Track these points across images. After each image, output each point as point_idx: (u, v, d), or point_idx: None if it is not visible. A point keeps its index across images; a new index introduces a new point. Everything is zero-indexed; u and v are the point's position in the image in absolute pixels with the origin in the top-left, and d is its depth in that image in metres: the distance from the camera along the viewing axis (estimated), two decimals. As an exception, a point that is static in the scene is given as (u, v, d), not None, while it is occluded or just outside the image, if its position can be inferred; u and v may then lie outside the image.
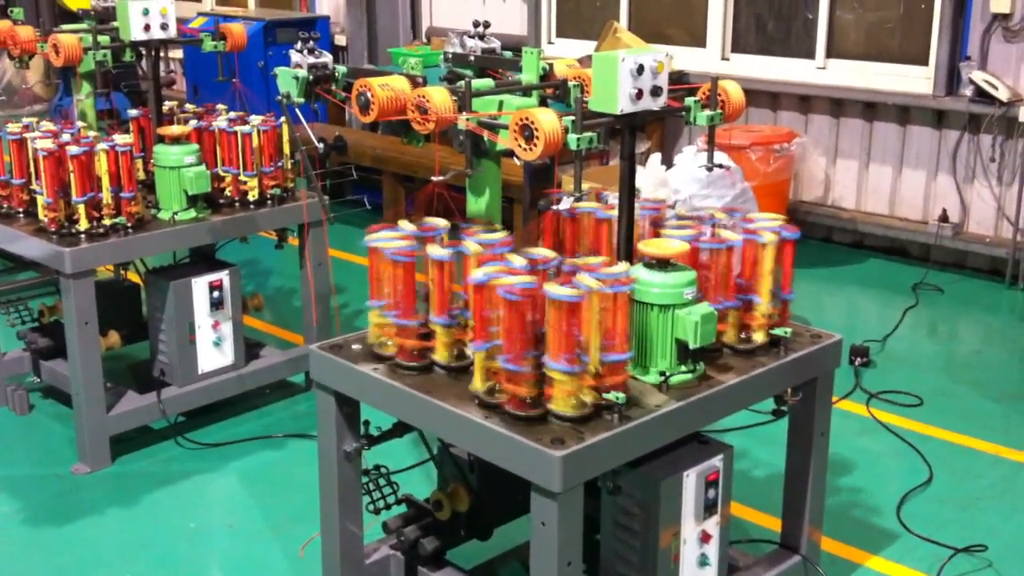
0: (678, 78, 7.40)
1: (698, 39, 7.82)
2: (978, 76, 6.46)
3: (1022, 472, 4.44)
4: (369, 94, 3.03)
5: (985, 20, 6.53)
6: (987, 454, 4.58)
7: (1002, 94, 6.37)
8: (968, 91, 6.57)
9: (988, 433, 4.74)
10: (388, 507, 3.36)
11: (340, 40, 10.03)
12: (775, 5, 7.55)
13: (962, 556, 3.79)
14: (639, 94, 2.79)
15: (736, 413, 3.13)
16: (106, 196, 4.25)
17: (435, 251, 2.91)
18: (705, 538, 3.06)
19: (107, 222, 4.27)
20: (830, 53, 7.29)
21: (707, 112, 3.04)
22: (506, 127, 2.81)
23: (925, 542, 3.89)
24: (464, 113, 2.94)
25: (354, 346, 3.13)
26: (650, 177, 5.67)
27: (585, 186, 2.92)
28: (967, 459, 4.54)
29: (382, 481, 3.35)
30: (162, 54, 4.89)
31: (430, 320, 2.95)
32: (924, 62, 6.86)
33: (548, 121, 2.68)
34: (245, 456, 4.54)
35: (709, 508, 3.05)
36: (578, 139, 2.72)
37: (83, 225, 4.23)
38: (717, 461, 3.05)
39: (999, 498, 4.23)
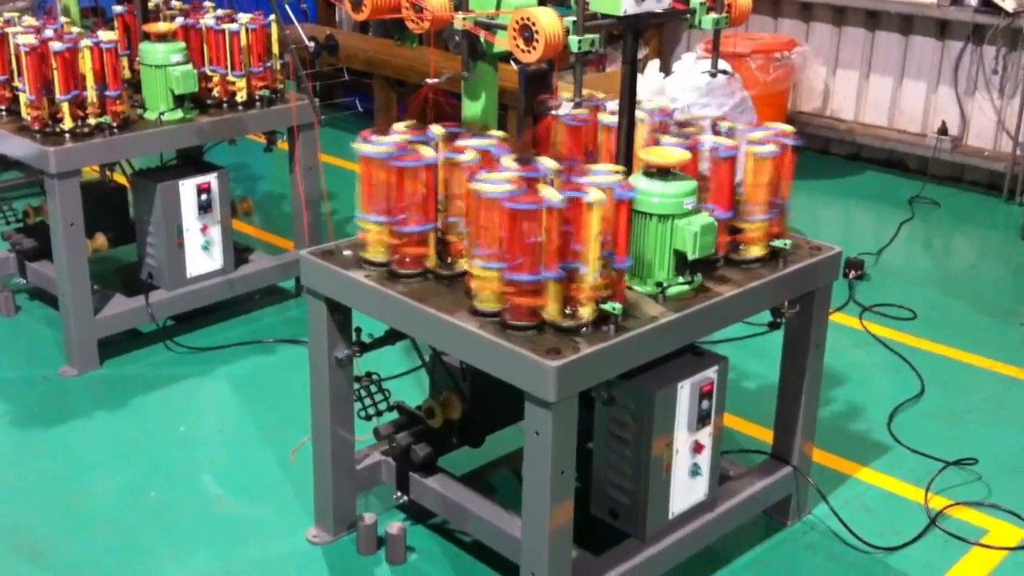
0: (678, -18, 7.23)
1: (699, -58, 7.61)
2: (985, -15, 6.32)
3: (1014, 387, 4.44)
4: (362, -10, 2.92)
5: (994, -73, 6.37)
6: (980, 369, 4.58)
7: (1008, 4, 6.23)
8: (973, 1, 6.43)
9: (981, 348, 4.74)
10: (380, 414, 3.34)
11: (331, -62, 9.77)
12: (779, -92, 7.35)
13: (952, 469, 3.80)
14: (643, -6, 2.69)
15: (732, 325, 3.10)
16: (91, 94, 4.14)
17: (427, 155, 2.83)
18: (698, 448, 3.06)
19: (92, 121, 4.17)
20: (834, -41, 7.11)
21: (713, 15, 2.94)
22: (504, 27, 2.71)
23: (915, 454, 3.90)
24: (461, 12, 2.84)
25: (345, 252, 3.07)
26: (648, 85, 5.56)
27: (584, 92, 2.84)
28: (959, 373, 4.54)
29: (374, 388, 3.32)
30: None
31: (422, 227, 2.88)
32: (930, -30, 6.70)
33: (549, 22, 2.58)
34: (235, 361, 4.51)
35: (702, 419, 3.03)
36: (579, 41, 2.63)
37: (67, 124, 4.13)
38: (711, 373, 3.03)
39: (990, 413, 4.24)
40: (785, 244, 3.12)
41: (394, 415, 3.37)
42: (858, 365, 4.56)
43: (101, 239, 4.65)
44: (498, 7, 3.00)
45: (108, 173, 4.83)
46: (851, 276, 5.33)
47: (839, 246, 3.27)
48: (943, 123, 6.75)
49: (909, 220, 6.25)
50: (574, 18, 2.64)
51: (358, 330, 3.15)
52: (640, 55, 6.74)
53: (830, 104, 7.32)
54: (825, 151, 7.41)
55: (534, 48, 2.60)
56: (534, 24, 2.59)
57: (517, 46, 2.64)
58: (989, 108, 6.66)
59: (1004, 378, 4.50)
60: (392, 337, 3.16)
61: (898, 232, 6.06)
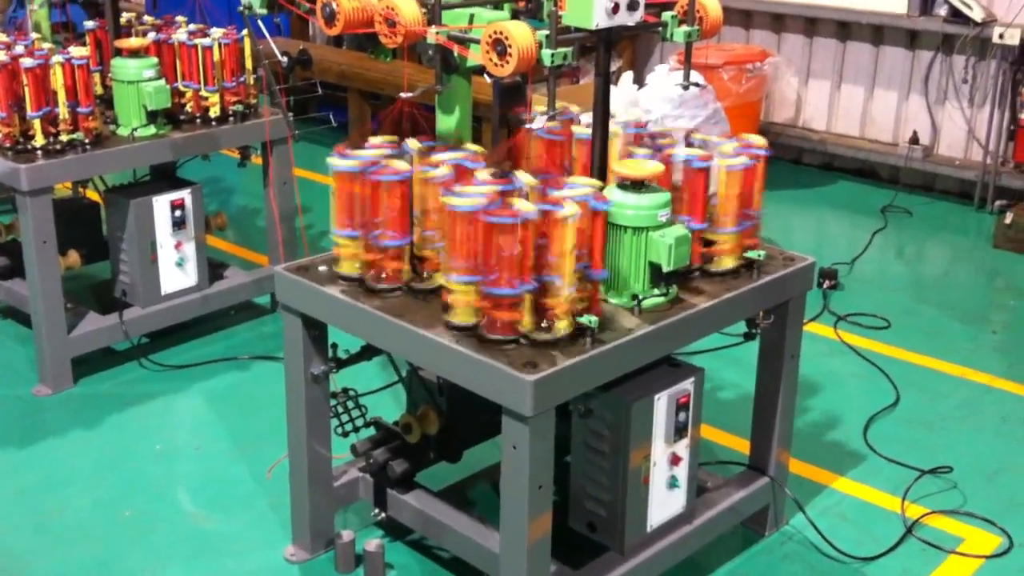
0: (650, -5, 7.26)
1: (671, -45, 7.65)
2: (953, -5, 6.39)
3: (987, 394, 4.47)
4: (334, 5, 2.91)
5: (962, -62, 6.44)
6: (953, 376, 4.61)
7: (976, 14, 6.30)
8: (943, 11, 6.49)
9: (954, 355, 4.77)
10: (357, 430, 3.33)
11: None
12: (750, -80, 7.39)
13: (928, 477, 3.82)
14: (615, 8, 2.70)
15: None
16: (62, 111, 4.12)
17: (401, 169, 2.83)
18: (675, 461, 3.06)
19: (64, 138, 4.14)
20: (804, -29, 7.17)
21: (684, 28, 2.95)
22: (477, 41, 2.72)
23: (891, 463, 3.92)
24: (434, 26, 2.84)
25: (320, 267, 3.06)
26: (622, 97, 5.57)
27: (558, 104, 2.84)
28: (933, 381, 4.57)
29: (350, 404, 3.31)
30: (119, -38, 4.71)
31: (397, 242, 2.88)
32: (899, -19, 6.76)
33: (522, 35, 2.59)
34: (210, 378, 4.48)
35: (679, 431, 3.04)
36: (552, 54, 2.64)
37: (39, 141, 4.10)
38: (688, 384, 3.04)
39: (965, 419, 4.27)
40: (759, 255, 3.13)
41: (371, 431, 3.36)
42: (833, 374, 4.59)
43: (74, 256, 4.62)
44: (471, 21, 3.00)
45: (80, 189, 4.79)
46: (825, 285, 5.36)
47: (813, 256, 3.29)
48: (914, 132, 6.80)
49: (882, 229, 6.30)
50: (547, 32, 2.65)
51: (334, 346, 3.14)
52: (613, 67, 6.76)
53: (802, 114, 7.37)
54: (798, 161, 7.46)
55: (507, 62, 2.61)
56: (507, 38, 2.59)
57: (490, 60, 2.65)
58: (959, 117, 6.73)
59: (977, 385, 4.54)
60: (368, 352, 3.15)
61: (871, 241, 6.10)
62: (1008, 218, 6.01)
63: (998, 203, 6.43)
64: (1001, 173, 6.49)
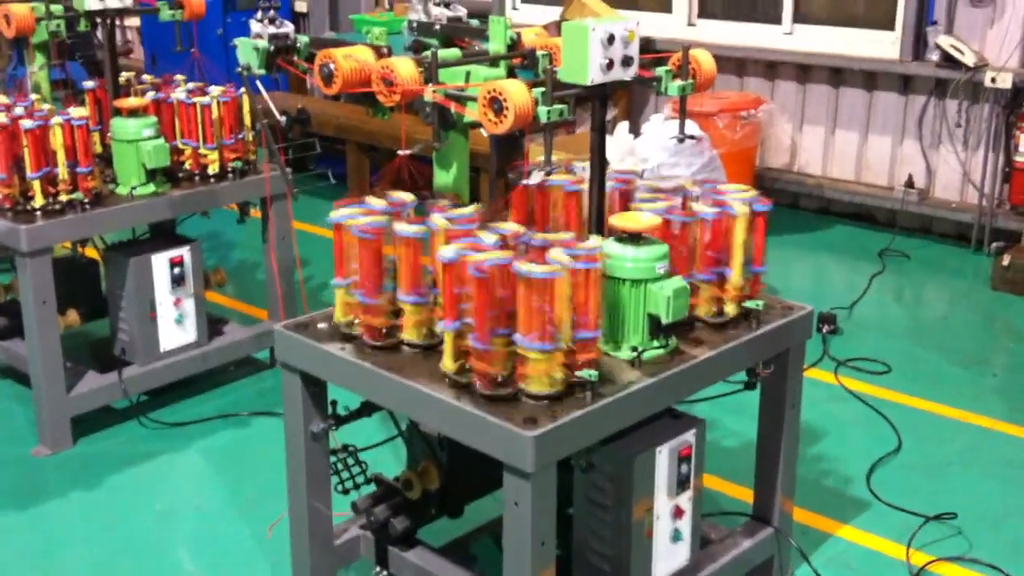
0: (645, 45, 7.32)
1: (664, 5, 7.74)
2: (944, 41, 6.44)
3: (990, 437, 4.46)
4: (332, 66, 2.95)
5: (951, -16, 6.52)
6: (955, 420, 4.60)
7: (968, 59, 6.36)
8: (934, 56, 6.55)
9: (955, 399, 4.76)
10: (357, 487, 3.31)
11: (300, 7, 9.87)
12: (741, -30, 7.50)
13: (932, 523, 3.80)
14: (610, 64, 2.73)
15: (708, 386, 3.10)
16: (62, 171, 4.14)
17: (402, 227, 2.84)
18: (678, 513, 3.04)
19: (64, 198, 4.16)
20: (797, 19, 7.24)
21: (678, 82, 2.98)
22: (474, 99, 2.74)
23: (895, 510, 3.90)
24: (431, 85, 2.87)
25: (320, 324, 3.07)
26: (618, 146, 5.62)
27: (554, 157, 2.86)
28: (935, 426, 4.56)
29: (351, 461, 3.29)
30: (118, 23, 4.76)
31: (398, 298, 2.89)
32: (891, 27, 6.83)
33: (518, 93, 2.61)
34: (210, 435, 4.47)
35: (682, 483, 3.02)
36: (548, 111, 2.66)
37: (38, 201, 4.12)
38: (690, 436, 3.02)
39: (967, 464, 4.25)
40: (758, 305, 3.13)
41: (372, 487, 3.34)
42: (835, 420, 4.57)
43: (73, 315, 4.62)
44: (468, 79, 3.03)
45: (79, 247, 4.81)
46: (825, 331, 5.36)
47: (811, 300, 3.30)
48: (909, 176, 6.84)
49: (880, 273, 6.31)
50: (543, 89, 2.67)
51: (334, 403, 3.13)
52: (609, 115, 6.81)
53: (798, 160, 7.41)
54: (795, 206, 7.49)
55: (504, 120, 2.63)
56: (503, 96, 2.62)
57: (487, 118, 2.67)
58: (954, 160, 6.76)
59: (979, 429, 4.52)
60: (368, 409, 3.14)
61: (870, 285, 6.11)
62: (1005, 260, 6.02)
63: (995, 245, 6.45)
64: (997, 215, 6.52)
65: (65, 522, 3.87)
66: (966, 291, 6.20)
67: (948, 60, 6.45)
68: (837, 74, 7.11)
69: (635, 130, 6.02)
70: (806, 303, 3.29)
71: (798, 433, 3.43)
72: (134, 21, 10.02)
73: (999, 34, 6.38)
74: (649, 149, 5.66)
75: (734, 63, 7.47)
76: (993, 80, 6.24)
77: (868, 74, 6.97)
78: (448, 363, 2.73)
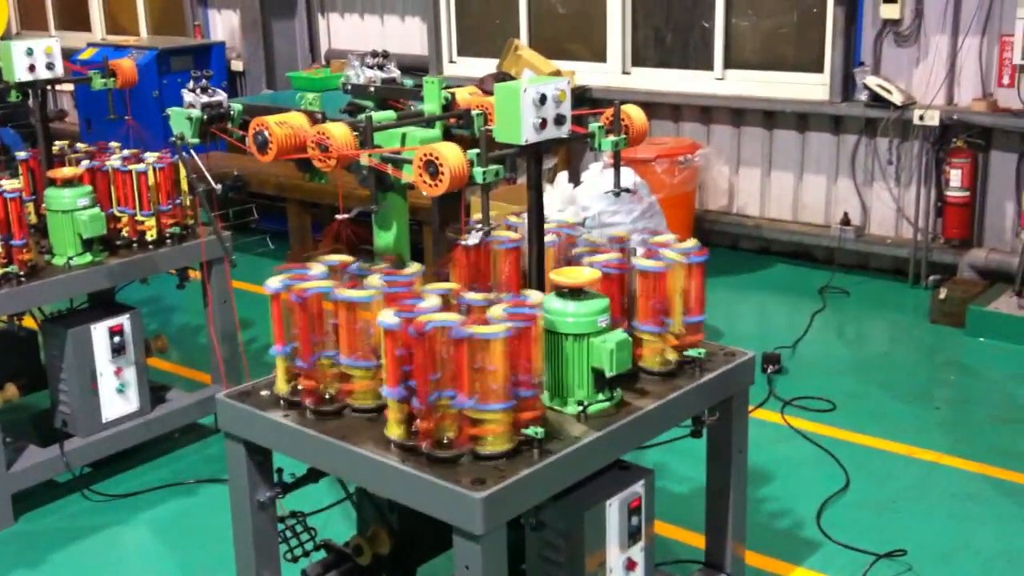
0: (581, 94, 7.43)
1: (598, 54, 7.85)
2: (872, 81, 6.60)
3: (935, 471, 4.52)
4: (267, 133, 2.95)
5: (876, 26, 6.68)
6: (901, 455, 4.66)
7: (896, 98, 6.51)
8: (863, 96, 6.70)
9: (900, 434, 4.82)
10: (307, 554, 3.27)
11: (237, 66, 9.87)
12: (672, 18, 7.62)
13: (883, 562, 3.83)
14: (543, 123, 2.76)
15: (655, 435, 3.11)
16: (-5, 244, 4.09)
17: (341, 292, 2.84)
18: (631, 566, 3.04)
19: (-2, 271, 4.11)
20: (728, 64, 7.37)
21: (611, 138, 3.02)
22: (410, 162, 2.75)
23: (846, 549, 3.93)
24: (366, 149, 2.88)
25: (263, 392, 3.04)
26: (558, 195, 5.66)
27: (493, 212, 2.88)
28: (882, 461, 4.61)
29: (299, 528, 3.25)
30: (52, 88, 4.72)
31: (342, 362, 2.87)
32: (819, 69, 6.98)
33: (453, 156, 2.63)
34: (157, 505, 4.39)
35: (633, 535, 3.02)
36: (484, 172, 2.68)
37: (-28, 276, 4.06)
38: (639, 487, 3.03)
39: (915, 500, 4.30)
40: (700, 353, 3.16)
41: (322, 554, 3.30)
42: (783, 460, 4.61)
43: (12, 389, 4.54)
44: (403, 141, 3.05)
45: (16, 319, 4.72)
46: (769, 371, 5.41)
47: (753, 340, 3.35)
48: (845, 214, 6.97)
49: (821, 310, 6.40)
50: (478, 150, 2.69)
51: (279, 470, 3.10)
52: (549, 165, 6.88)
53: (736, 201, 7.52)
54: (735, 247, 7.58)
55: (440, 182, 2.65)
56: (439, 159, 2.63)
57: (423, 181, 2.68)
58: (887, 197, 6.90)
59: (925, 463, 4.58)
60: (315, 475, 3.11)
61: (811, 323, 6.19)
62: (942, 293, 6.14)
63: (932, 278, 6.57)
64: (932, 249, 6.65)
65: (8, 604, 3.78)
66: (906, 325, 6.30)
67: (877, 100, 6.60)
68: (770, 117, 7.24)
69: (575, 179, 6.06)
70: (749, 343, 3.33)
71: (746, 478, 3.45)
72: (69, 86, 9.94)
73: (925, 73, 6.55)
74: (589, 198, 5.70)
75: (669, 109, 7.59)
76: (921, 118, 6.40)
77: (800, 116, 7.11)
78: (393, 429, 2.71)
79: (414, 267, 3.07)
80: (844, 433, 4.84)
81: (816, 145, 7.12)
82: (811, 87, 7.02)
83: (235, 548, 3.15)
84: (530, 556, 3.00)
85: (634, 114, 3.13)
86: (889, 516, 4.17)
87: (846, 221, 6.95)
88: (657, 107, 7.43)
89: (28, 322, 4.78)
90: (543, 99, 2.76)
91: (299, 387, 2.92)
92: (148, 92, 8.79)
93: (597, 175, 5.84)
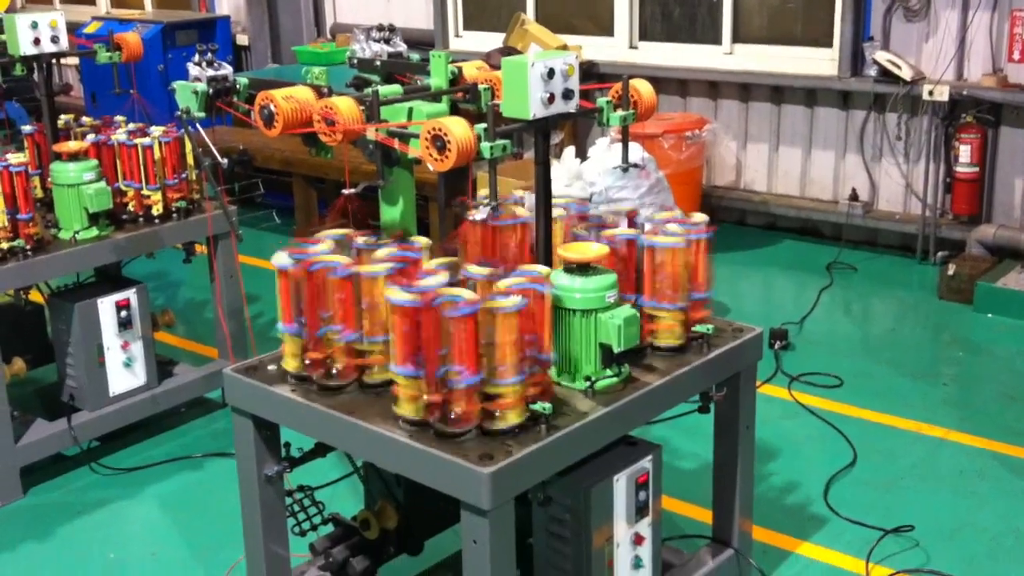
0: (587, 69, 7.38)
1: (606, 28, 7.80)
2: (882, 56, 6.55)
3: (942, 448, 4.51)
4: (272, 107, 2.93)
5: (886, 0, 6.62)
6: (908, 431, 4.65)
7: (905, 73, 6.47)
8: (872, 71, 6.65)
9: (908, 410, 4.81)
10: (314, 528, 3.27)
11: (242, 40, 9.83)
12: (680, -8, 7.58)
13: (890, 537, 3.83)
14: (551, 98, 2.74)
15: (662, 411, 3.11)
16: (1, 218, 4.07)
17: (347, 267, 2.83)
18: (638, 540, 3.04)
19: (4, 246, 4.09)
20: (736, 38, 7.33)
21: (620, 112, 3.00)
22: (416, 137, 2.74)
23: (853, 525, 3.93)
24: (373, 124, 2.86)
25: (270, 367, 3.04)
26: (565, 171, 5.63)
27: (500, 187, 2.86)
28: (889, 438, 4.60)
29: (307, 502, 3.26)
30: (55, 62, 4.69)
31: (347, 339, 2.86)
32: (828, 44, 6.93)
33: (460, 131, 2.61)
34: (164, 479, 4.40)
35: (640, 510, 3.02)
36: (491, 147, 2.66)
37: (-22, 250, 4.05)
38: (646, 462, 3.03)
39: (922, 476, 4.29)
40: (708, 329, 3.15)
41: (329, 528, 3.31)
42: (790, 436, 4.60)
43: (19, 363, 4.54)
44: (410, 116, 3.03)
45: (23, 294, 4.72)
46: (776, 347, 5.40)
47: (760, 316, 3.35)
48: (853, 190, 6.93)
49: (828, 287, 6.37)
50: (485, 125, 2.67)
51: (287, 445, 3.10)
52: (556, 140, 6.84)
53: (743, 177, 7.49)
54: (742, 222, 7.56)
55: (447, 157, 2.63)
56: (446, 134, 2.62)
57: (430, 155, 2.67)
58: (896, 173, 6.87)
59: (932, 439, 4.57)
60: (322, 449, 3.11)
61: (819, 299, 6.17)
62: (951, 269, 6.11)
63: (940, 254, 6.55)
64: (941, 225, 6.63)
65: (16, 577, 3.80)
66: (914, 302, 6.28)
67: (886, 75, 6.56)
68: (778, 92, 7.20)
69: (581, 154, 6.04)
70: (756, 319, 3.32)
71: (753, 454, 3.45)
72: (73, 60, 9.91)
73: (934, 48, 6.50)
74: (596, 174, 5.68)
75: (676, 84, 7.54)
76: (931, 93, 6.35)
77: (808, 91, 7.06)
78: (404, 406, 2.69)
79: (422, 241, 3.06)
80: (851, 409, 4.84)
81: (824, 120, 7.08)
82: (820, 62, 6.97)
83: (243, 522, 3.16)
84: (537, 531, 3.00)
85: (642, 89, 3.11)
86: (896, 492, 4.16)
87: (854, 197, 6.92)
88: (664, 82, 7.39)
89: (35, 296, 4.79)
90: (551, 73, 2.73)
91: (307, 361, 2.91)
92: (153, 66, 8.76)
93: (604, 150, 5.82)
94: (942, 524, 3.93)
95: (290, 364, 2.96)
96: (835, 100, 7.00)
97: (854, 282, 6.52)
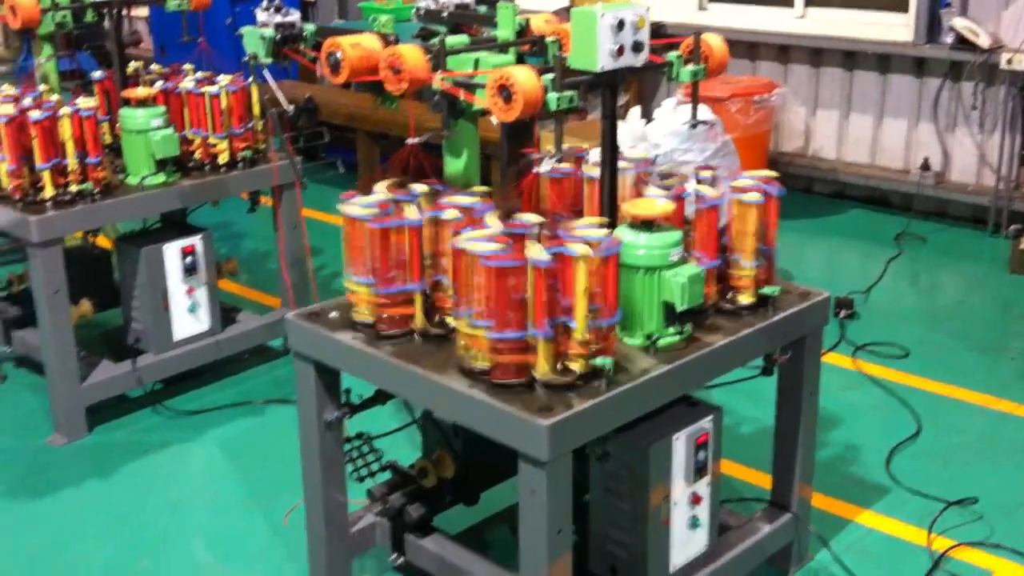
0: (656, 30, 7.25)
1: (675, -12, 7.69)
2: (959, 23, 6.37)
3: (1007, 422, 4.42)
4: (339, 54, 2.92)
5: (966, -35, 6.45)
6: (973, 405, 4.56)
7: (983, 41, 6.29)
8: (949, 38, 6.48)
9: (973, 383, 4.72)
10: (372, 475, 3.30)
11: (309, -6, 9.84)
12: (753, -48, 7.43)
13: (953, 509, 3.77)
14: (620, 50, 2.70)
15: (724, 373, 3.07)
16: (71, 162, 4.13)
17: (411, 216, 2.82)
18: (696, 500, 3.02)
19: (73, 188, 4.15)
20: (809, 2, 7.18)
21: (690, 67, 2.95)
22: (482, 87, 2.71)
23: (916, 495, 3.87)
24: (439, 73, 2.84)
25: (332, 314, 3.05)
26: (630, 132, 5.58)
27: (565, 144, 2.83)
28: (954, 410, 4.52)
29: (365, 449, 3.28)
30: (125, 13, 4.74)
31: (409, 287, 2.86)
32: (904, 9, 6.76)
33: (526, 80, 2.58)
34: (225, 423, 4.46)
35: (699, 470, 3.00)
36: (558, 98, 2.63)
37: (48, 192, 4.11)
38: (706, 423, 3.00)
39: (986, 450, 4.21)
40: (774, 291, 3.10)
41: (387, 475, 3.33)
42: (853, 406, 4.54)
43: (86, 305, 4.62)
44: (476, 67, 3.00)
45: (91, 238, 4.80)
46: (842, 315, 5.32)
47: (826, 285, 3.27)
48: (925, 159, 6.78)
49: (896, 257, 6.26)
50: (552, 75, 2.64)
51: (347, 391, 3.12)
52: (621, 101, 6.78)
53: (812, 144, 7.35)
54: (809, 190, 7.43)
55: (513, 107, 2.60)
56: (512, 84, 2.59)
57: (496, 105, 2.64)
58: (970, 143, 6.70)
59: (998, 414, 4.48)
60: (382, 397, 3.13)
61: (886, 269, 6.06)
62: (1023, 243, 5.96)
63: (1012, 228, 6.37)
64: (1014, 198, 6.46)
65: (80, 513, 3.87)
66: (983, 275, 6.14)
67: (963, 42, 6.38)
68: (850, 57, 7.04)
69: (647, 115, 5.96)
70: (822, 288, 3.26)
71: (816, 419, 3.40)
72: (143, 11, 9.99)
73: (1014, 16, 6.30)
74: (661, 135, 5.61)
75: (746, 47, 7.41)
76: (1009, 62, 6.17)
77: (882, 57, 6.90)
78: (462, 351, 2.69)
79: (483, 190, 3.04)
80: (916, 380, 4.75)
81: (897, 88, 6.92)
82: (895, 28, 6.80)
83: (302, 467, 3.19)
84: (594, 487, 3.00)
85: (714, 43, 3.06)
86: (960, 465, 4.09)
87: (926, 167, 6.76)
88: (733, 45, 7.19)
89: (102, 241, 4.87)
90: (621, 25, 2.69)
91: (369, 309, 2.91)
92: (221, 19, 8.79)
93: (670, 112, 5.74)
94: (1006, 498, 3.86)
95: (354, 311, 2.96)
96: (909, 67, 6.83)
97: (923, 253, 6.39)
